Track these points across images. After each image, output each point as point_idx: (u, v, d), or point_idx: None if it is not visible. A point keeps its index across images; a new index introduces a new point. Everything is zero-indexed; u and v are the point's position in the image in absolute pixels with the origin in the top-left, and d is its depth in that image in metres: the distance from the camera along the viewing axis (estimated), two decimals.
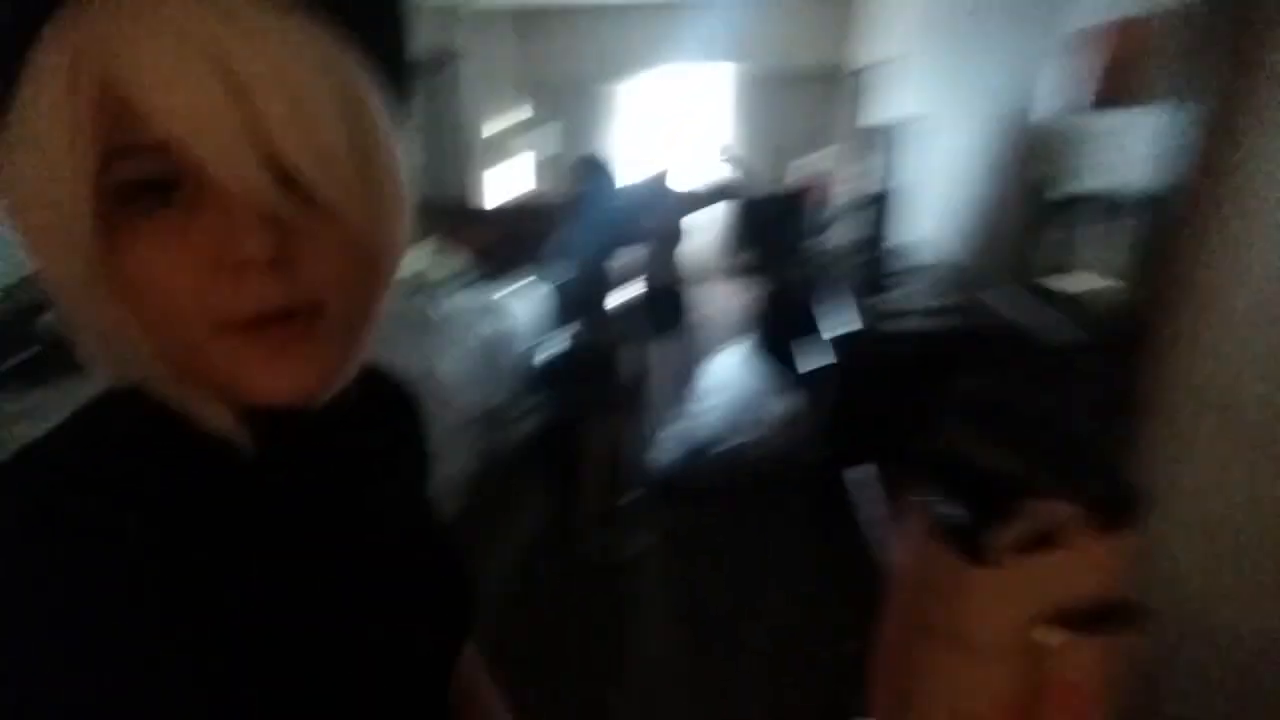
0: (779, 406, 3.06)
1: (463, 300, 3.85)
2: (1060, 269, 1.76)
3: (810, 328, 3.16)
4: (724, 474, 2.94)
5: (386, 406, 0.59)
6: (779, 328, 3.69)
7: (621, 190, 2.50)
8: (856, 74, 5.58)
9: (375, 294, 0.42)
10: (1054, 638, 0.72)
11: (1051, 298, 1.72)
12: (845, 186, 5.14)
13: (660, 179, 3.08)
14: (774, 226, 3.81)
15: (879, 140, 3.47)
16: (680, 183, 3.18)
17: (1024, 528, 0.72)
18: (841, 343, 2.30)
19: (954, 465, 0.80)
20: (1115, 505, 0.71)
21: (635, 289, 3.04)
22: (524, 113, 6.62)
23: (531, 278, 4.17)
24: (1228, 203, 1.19)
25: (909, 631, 0.92)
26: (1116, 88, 1.53)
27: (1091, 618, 0.74)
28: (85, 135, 0.32)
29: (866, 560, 2.06)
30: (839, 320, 2.41)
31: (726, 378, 3.17)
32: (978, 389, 1.06)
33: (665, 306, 3.13)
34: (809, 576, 2.51)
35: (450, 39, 5.43)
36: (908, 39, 4.06)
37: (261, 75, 0.33)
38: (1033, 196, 1.86)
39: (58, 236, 0.34)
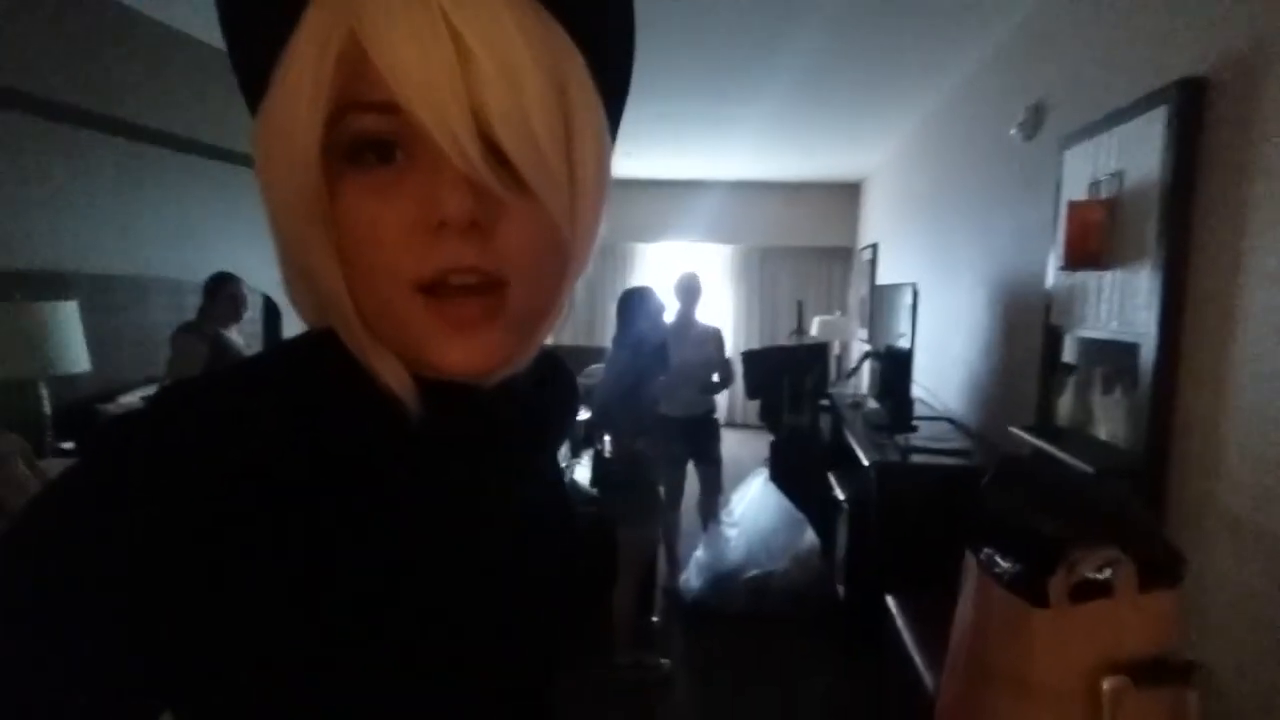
0: (802, 539, 3.18)
1: None
2: (1069, 411, 1.98)
3: (821, 467, 3.37)
4: (750, 600, 3.01)
5: (542, 387, 0.56)
6: (791, 464, 3.91)
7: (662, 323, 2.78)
8: (858, 251, 6.33)
9: (559, 288, 0.42)
10: (1114, 684, 0.87)
11: (1065, 436, 1.93)
12: (849, 342, 5.54)
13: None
14: (796, 375, 4.11)
15: (885, 304, 3.84)
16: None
17: (1077, 576, 0.90)
18: (875, 474, 2.48)
19: (1010, 525, 0.99)
20: (1157, 561, 0.89)
21: (676, 413, 3.27)
22: None
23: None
24: (1195, 348, 1.44)
25: (973, 681, 1.08)
26: (1085, 253, 1.83)
27: (1151, 671, 0.89)
28: (325, 83, 0.35)
29: (891, 687, 2.12)
30: (866, 454, 2.60)
31: (754, 508, 3.31)
32: (1024, 465, 1.26)
33: (700, 431, 3.32)
34: (832, 704, 2.53)
35: None
36: (892, 224, 4.67)
37: (485, 45, 0.35)
38: (1046, 346, 2.12)
39: (290, 174, 0.36)
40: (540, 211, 0.38)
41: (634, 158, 5.95)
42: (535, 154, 0.36)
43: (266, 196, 0.39)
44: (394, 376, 0.40)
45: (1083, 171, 1.97)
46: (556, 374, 0.61)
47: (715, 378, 3.40)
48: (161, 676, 0.34)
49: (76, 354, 2.45)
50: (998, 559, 0.98)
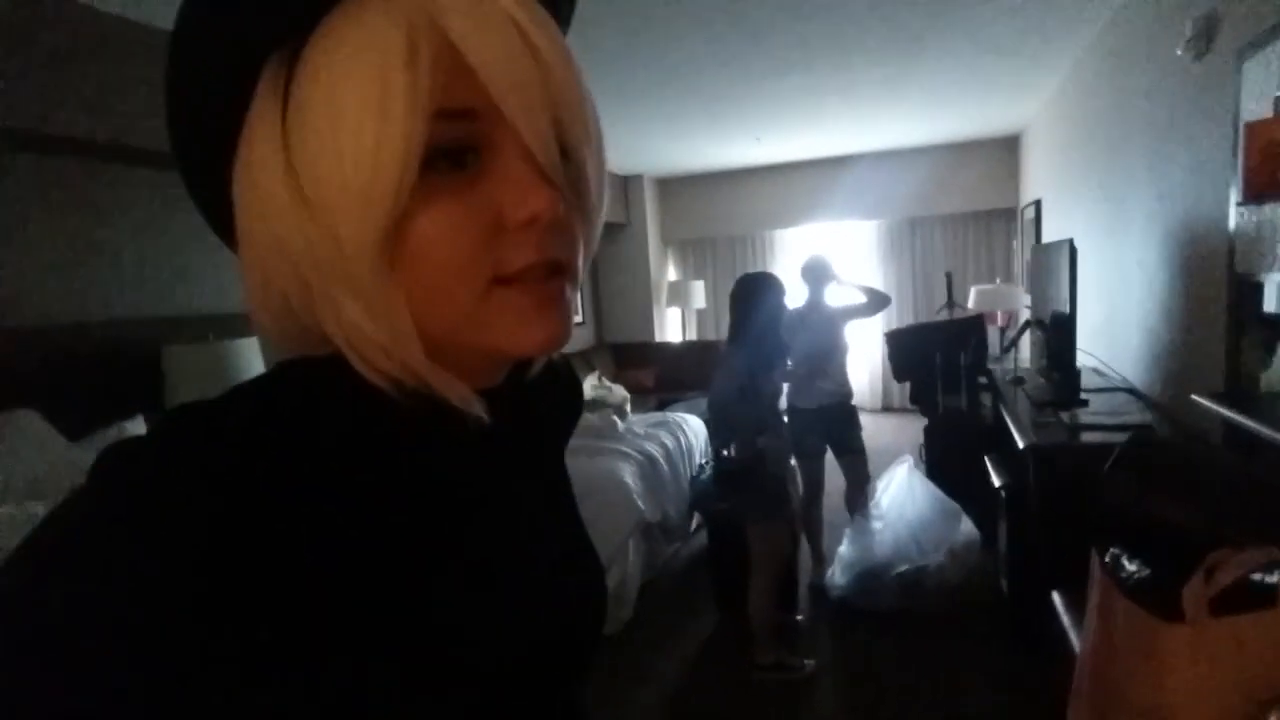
0: (957, 531, 2.93)
1: (638, 420, 4.12)
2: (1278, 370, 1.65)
3: (979, 451, 3.07)
4: (902, 597, 2.81)
5: (552, 377, 0.58)
6: (948, 450, 3.60)
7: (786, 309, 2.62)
8: (1017, 211, 5.75)
9: (584, 267, 0.44)
10: None
11: (1265, 402, 1.62)
12: (1017, 311, 5.03)
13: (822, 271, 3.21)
14: (949, 352, 3.80)
15: (1044, 267, 3.45)
16: (838, 299, 3.30)
17: (1222, 582, 0.73)
18: (1034, 456, 2.22)
19: (1137, 516, 0.83)
20: None
21: (808, 403, 3.12)
22: (671, 274, 7.27)
23: (697, 401, 4.41)
24: None
25: (1100, 714, 0.91)
26: (1270, 181, 1.51)
27: None
28: (424, 100, 0.34)
29: (1059, 693, 1.88)
30: (1023, 436, 2.34)
31: (899, 499, 3.09)
32: (1161, 444, 1.06)
33: (836, 420, 3.15)
34: (992, 709, 2.29)
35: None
36: (1055, 176, 4.15)
37: (546, 43, 0.36)
38: (1232, 297, 1.79)
39: (367, 200, 0.35)
40: (584, 201, 0.41)
41: (765, 144, 5.77)
42: (589, 151, 0.40)
43: (323, 222, 0.36)
44: (455, 389, 0.40)
45: (1266, 85, 1.64)
46: (562, 371, 0.63)
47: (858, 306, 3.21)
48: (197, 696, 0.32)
49: None
50: (1124, 560, 0.82)
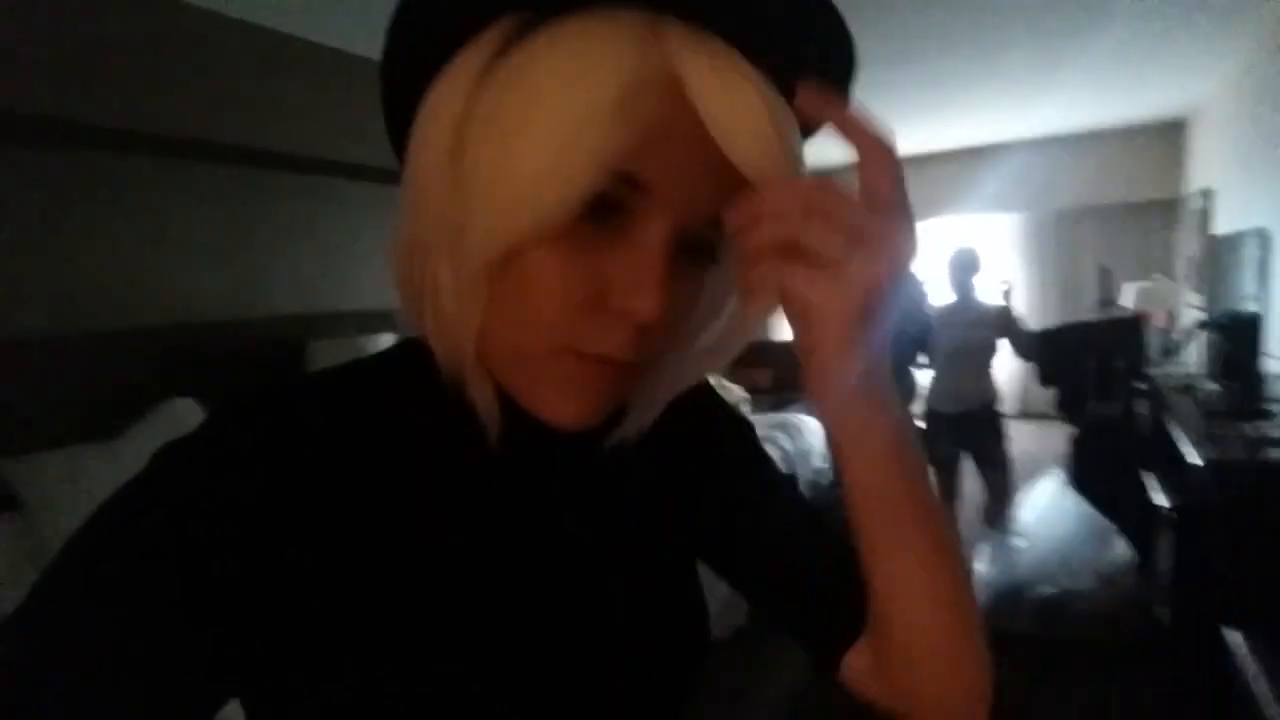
0: (1110, 554, 2.67)
1: (757, 421, 4.04)
2: None
3: (1135, 465, 2.78)
4: (1043, 622, 2.59)
5: (674, 442, 0.51)
6: (1099, 463, 3.29)
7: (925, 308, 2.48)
8: (1183, 201, 5.19)
9: (690, 339, 0.43)
10: None
11: None
12: (1179, 312, 4.54)
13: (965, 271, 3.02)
14: (1103, 354, 3.48)
15: (1223, 261, 3.08)
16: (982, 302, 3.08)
17: None
18: (1211, 474, 1.98)
19: None
20: None
21: (948, 407, 2.95)
22: None
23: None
24: None
25: None
26: None
27: None
28: (612, 151, 0.32)
29: None
30: (1199, 450, 2.09)
31: (1048, 516, 2.85)
32: None
33: (977, 427, 2.96)
34: None
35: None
36: (1235, 163, 3.69)
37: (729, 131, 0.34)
38: None
39: (507, 212, 0.33)
40: (718, 281, 0.41)
41: (898, 136, 5.51)
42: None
43: (459, 195, 0.35)
44: (483, 402, 0.40)
45: None
46: (695, 411, 0.53)
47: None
48: (220, 671, 0.35)
49: None
50: None
